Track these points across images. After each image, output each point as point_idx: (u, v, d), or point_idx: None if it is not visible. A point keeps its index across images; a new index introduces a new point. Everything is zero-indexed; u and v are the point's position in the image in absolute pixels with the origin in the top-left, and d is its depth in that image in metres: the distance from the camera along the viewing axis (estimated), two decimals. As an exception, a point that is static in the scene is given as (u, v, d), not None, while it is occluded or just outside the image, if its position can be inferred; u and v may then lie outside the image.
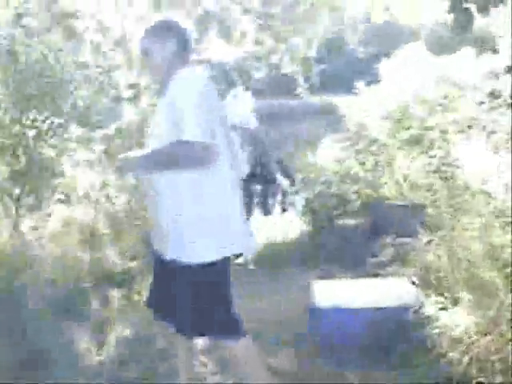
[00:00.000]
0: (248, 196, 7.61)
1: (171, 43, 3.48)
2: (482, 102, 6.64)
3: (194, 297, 3.39)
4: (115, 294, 5.47)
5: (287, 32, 10.50)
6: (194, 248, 3.39)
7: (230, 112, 6.91)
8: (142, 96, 9.55)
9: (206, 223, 3.39)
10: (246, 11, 9.80)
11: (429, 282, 4.68)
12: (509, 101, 6.21)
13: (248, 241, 3.60)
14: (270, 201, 7.98)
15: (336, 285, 5.04)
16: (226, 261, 3.46)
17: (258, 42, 10.12)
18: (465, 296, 4.12)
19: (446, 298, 4.25)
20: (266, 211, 7.78)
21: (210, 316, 3.44)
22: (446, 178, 7.91)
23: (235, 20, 9.99)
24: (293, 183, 8.08)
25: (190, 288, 3.40)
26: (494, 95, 6.30)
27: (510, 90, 6.10)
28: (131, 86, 9.60)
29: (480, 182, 6.71)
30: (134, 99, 9.59)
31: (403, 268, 5.18)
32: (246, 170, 5.81)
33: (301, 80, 10.76)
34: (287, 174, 7.86)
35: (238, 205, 3.57)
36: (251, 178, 7.26)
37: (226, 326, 3.49)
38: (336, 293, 4.81)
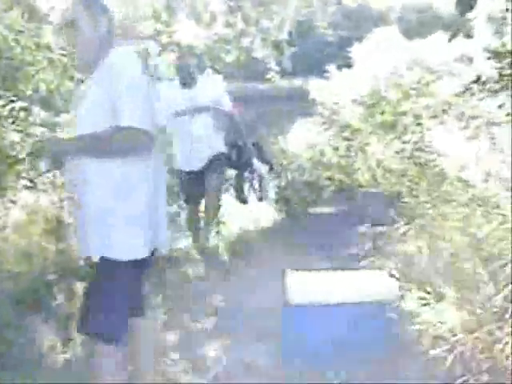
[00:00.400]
0: (238, 182, 7.34)
1: (103, 21, 3.32)
2: (467, 89, 6.46)
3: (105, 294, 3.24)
4: (81, 287, 5.23)
5: (258, 14, 10.29)
6: (124, 243, 3.20)
7: (200, 93, 6.73)
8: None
9: (138, 218, 3.21)
10: (217, -7, 9.55)
11: (410, 275, 4.50)
12: (493, 86, 6.02)
13: (164, 236, 3.43)
14: (246, 188, 7.68)
15: (310, 277, 4.84)
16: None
17: (228, 25, 9.89)
18: (448, 292, 3.94)
19: (428, 293, 4.07)
20: (242, 199, 7.44)
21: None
22: (420, 163, 7.77)
23: (205, 1, 9.75)
24: (271, 169, 7.71)
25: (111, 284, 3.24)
26: (479, 81, 6.11)
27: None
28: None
29: (457, 169, 6.56)
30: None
31: (381, 260, 4.99)
32: (206, 156, 6.63)
33: (272, 64, 10.55)
34: (265, 159, 7.41)
35: (163, 199, 3.43)
36: (226, 161, 7.03)
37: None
38: (311, 287, 4.62)
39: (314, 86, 10.86)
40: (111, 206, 3.17)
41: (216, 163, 6.81)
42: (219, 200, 7.01)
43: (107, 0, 9.46)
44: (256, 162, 7.26)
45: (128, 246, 3.19)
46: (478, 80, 5.75)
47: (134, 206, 3.18)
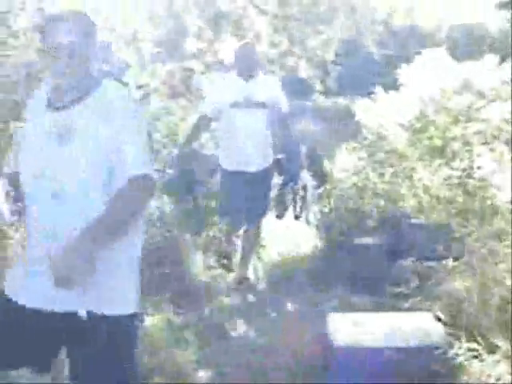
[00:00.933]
0: (281, 194, 7.10)
1: (94, 40, 2.80)
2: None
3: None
4: None
5: (303, 34, 10.13)
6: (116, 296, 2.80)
7: (258, 88, 6.22)
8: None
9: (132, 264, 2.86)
10: (262, 12, 9.41)
11: (458, 319, 4.22)
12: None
13: None
14: (287, 201, 7.34)
15: (354, 318, 4.60)
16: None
17: (273, 44, 9.75)
18: (502, 343, 3.66)
19: (479, 343, 3.79)
20: (279, 213, 7.15)
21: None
22: (468, 191, 7.50)
23: (250, 21, 9.63)
24: (322, 182, 7.18)
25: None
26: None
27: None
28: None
29: (508, 201, 6.27)
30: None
31: (428, 300, 4.72)
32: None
33: (317, 83, 10.36)
34: (316, 173, 6.97)
35: None
36: (273, 168, 6.46)
37: None
38: (354, 329, 4.38)
39: (360, 108, 10.62)
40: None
41: (270, 167, 6.37)
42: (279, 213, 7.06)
43: (154, 16, 9.31)
44: (305, 174, 6.91)
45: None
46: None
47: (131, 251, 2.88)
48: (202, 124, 6.52)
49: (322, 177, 7.27)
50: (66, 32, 2.68)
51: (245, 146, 6.12)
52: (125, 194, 2.62)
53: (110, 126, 2.65)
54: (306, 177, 7.08)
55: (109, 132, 2.65)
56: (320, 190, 7.49)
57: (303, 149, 7.17)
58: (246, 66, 6.18)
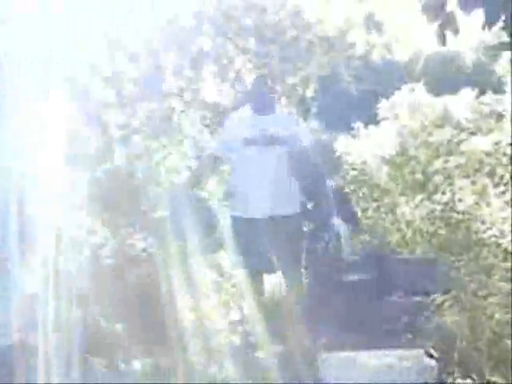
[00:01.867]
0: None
1: None
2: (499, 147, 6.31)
3: None
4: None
5: (284, 71, 10.17)
6: None
7: (276, 122, 5.58)
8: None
9: None
10: (242, 50, 9.45)
11: (450, 355, 4.19)
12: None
13: None
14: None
15: (343, 357, 4.56)
16: None
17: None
18: (496, 380, 3.63)
19: (473, 379, 3.76)
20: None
21: None
22: (450, 224, 7.54)
23: (230, 58, 9.66)
24: (356, 225, 6.51)
25: None
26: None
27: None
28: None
29: (494, 234, 6.30)
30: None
31: (418, 337, 4.69)
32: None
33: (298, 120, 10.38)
34: (348, 216, 6.08)
35: None
36: (301, 216, 5.66)
37: None
38: (345, 367, 4.34)
39: (341, 144, 10.67)
40: None
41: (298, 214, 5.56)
42: None
43: (133, 54, 9.30)
44: (336, 220, 5.80)
45: None
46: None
47: None
48: (208, 165, 6.08)
49: (353, 218, 6.55)
50: None
51: (263, 187, 5.33)
52: None
53: None
54: (336, 222, 5.83)
55: None
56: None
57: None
58: (261, 101, 5.57)
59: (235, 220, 5.59)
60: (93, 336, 5.28)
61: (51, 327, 5.26)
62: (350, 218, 6.38)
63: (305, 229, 5.79)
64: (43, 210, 7.36)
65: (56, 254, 7.09)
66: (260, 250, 5.36)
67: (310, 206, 5.93)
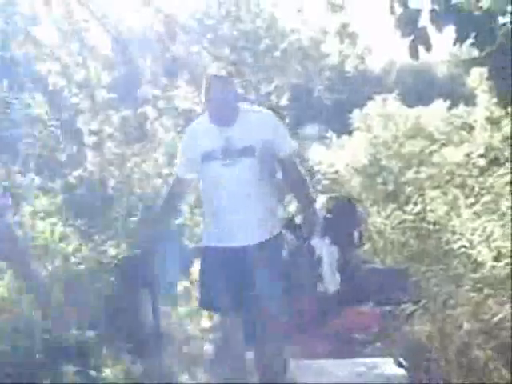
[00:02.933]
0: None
1: None
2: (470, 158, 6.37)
3: None
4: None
5: (258, 80, 10.19)
6: None
7: (243, 131, 4.25)
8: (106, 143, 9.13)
9: None
10: (217, 58, 9.44)
11: (419, 364, 4.23)
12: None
13: None
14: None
15: (315, 365, 4.58)
16: None
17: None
18: (464, 387, 3.68)
19: (442, 388, 3.81)
20: None
21: None
22: (421, 235, 7.60)
23: (204, 66, 9.65)
24: (359, 242, 5.78)
25: None
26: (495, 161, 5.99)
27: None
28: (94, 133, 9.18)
29: (464, 245, 6.36)
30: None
31: (388, 346, 4.73)
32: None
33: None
34: (341, 234, 5.34)
35: None
36: (281, 239, 4.46)
37: None
38: (316, 375, 4.36)
39: (313, 153, 10.72)
40: None
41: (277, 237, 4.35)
42: None
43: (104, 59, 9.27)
44: (322, 241, 4.94)
45: None
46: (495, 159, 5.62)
47: None
48: (178, 191, 4.61)
49: (349, 238, 5.69)
50: None
51: (232, 209, 4.20)
52: None
53: None
54: (322, 244, 4.95)
55: None
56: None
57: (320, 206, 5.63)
58: (220, 107, 4.26)
59: (204, 251, 4.44)
60: (64, 343, 5.26)
61: (21, 334, 5.24)
62: (344, 239, 5.45)
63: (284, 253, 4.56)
64: (15, 215, 7.33)
65: (28, 260, 7.06)
66: (230, 287, 4.23)
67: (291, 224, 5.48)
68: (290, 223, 5.66)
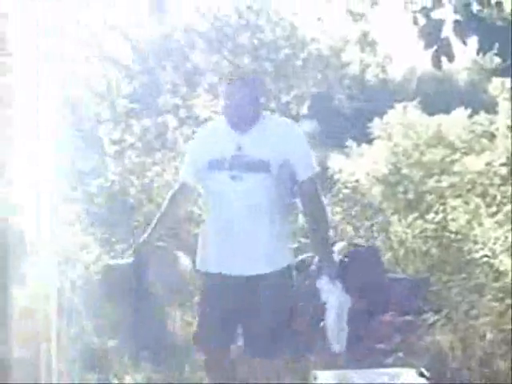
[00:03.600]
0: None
1: None
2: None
3: None
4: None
5: (278, 89, 10.22)
6: None
7: (258, 141, 3.62)
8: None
9: None
10: (238, 68, 9.48)
11: (442, 375, 4.20)
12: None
13: None
14: None
15: (336, 376, 4.54)
16: None
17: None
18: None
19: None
20: None
21: None
22: (444, 244, 7.56)
23: (223, 75, 9.69)
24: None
25: None
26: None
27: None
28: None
29: (486, 254, 6.32)
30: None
31: (410, 357, 4.69)
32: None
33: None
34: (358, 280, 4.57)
35: None
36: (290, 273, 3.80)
37: None
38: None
39: (334, 162, 10.71)
40: None
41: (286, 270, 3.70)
42: None
43: (128, 70, 9.30)
44: (331, 285, 3.76)
45: None
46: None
47: None
48: (180, 197, 4.02)
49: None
50: None
51: (235, 230, 3.59)
52: None
53: None
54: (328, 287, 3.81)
55: None
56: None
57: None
58: (239, 111, 3.65)
59: (202, 278, 3.85)
60: (86, 352, 5.28)
61: (44, 343, 5.25)
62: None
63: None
64: (36, 224, 7.35)
65: (49, 269, 7.08)
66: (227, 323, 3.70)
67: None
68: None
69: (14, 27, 7.53)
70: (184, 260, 4.07)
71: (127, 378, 4.98)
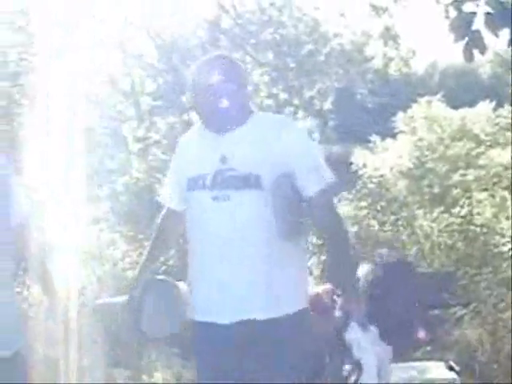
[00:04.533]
0: None
1: None
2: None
3: None
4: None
5: (300, 84, 10.22)
6: None
7: (247, 149, 2.76)
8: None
9: None
10: (260, 64, 9.50)
11: (471, 368, 4.20)
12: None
13: None
14: None
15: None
16: None
17: (270, 96, 9.81)
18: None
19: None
20: None
21: None
22: (470, 238, 7.53)
23: (248, 72, 9.71)
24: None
25: None
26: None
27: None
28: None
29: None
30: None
31: (439, 350, 4.69)
32: None
33: (315, 133, 10.42)
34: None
35: None
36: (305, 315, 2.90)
37: None
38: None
39: (358, 157, 10.66)
40: None
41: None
42: None
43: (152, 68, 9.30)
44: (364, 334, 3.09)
45: None
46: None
47: None
48: (168, 224, 3.06)
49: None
50: None
51: (224, 265, 2.71)
52: None
53: None
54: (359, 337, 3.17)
55: None
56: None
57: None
58: (215, 107, 2.75)
59: (196, 328, 2.85)
60: (115, 348, 5.33)
61: (73, 339, 5.29)
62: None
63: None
64: (63, 223, 7.43)
65: (76, 266, 7.15)
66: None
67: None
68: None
69: (36, 25, 7.61)
70: (187, 296, 2.95)
71: (157, 375, 4.99)
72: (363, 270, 4.14)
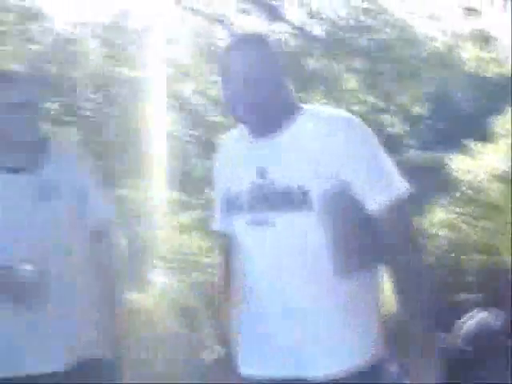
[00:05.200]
0: None
1: None
2: None
3: None
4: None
5: (393, 89, 10.10)
6: None
7: (291, 162, 2.06)
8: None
9: None
10: (351, 70, 9.43)
11: None
12: None
13: None
14: None
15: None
16: None
17: (361, 101, 9.71)
18: None
19: None
20: None
21: None
22: None
23: (336, 77, 9.66)
24: None
25: None
26: None
27: None
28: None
29: None
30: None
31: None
32: None
33: (408, 138, 10.30)
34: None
35: None
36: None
37: None
38: None
39: (455, 162, 10.45)
40: None
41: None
42: None
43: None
44: None
45: None
46: None
47: None
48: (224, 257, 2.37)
49: None
50: None
51: (273, 308, 2.09)
52: None
53: None
54: None
55: None
56: None
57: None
58: (248, 104, 2.05)
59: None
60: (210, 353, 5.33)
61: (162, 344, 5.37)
62: None
63: None
64: (154, 231, 7.55)
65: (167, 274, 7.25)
66: None
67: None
68: None
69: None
70: None
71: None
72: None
